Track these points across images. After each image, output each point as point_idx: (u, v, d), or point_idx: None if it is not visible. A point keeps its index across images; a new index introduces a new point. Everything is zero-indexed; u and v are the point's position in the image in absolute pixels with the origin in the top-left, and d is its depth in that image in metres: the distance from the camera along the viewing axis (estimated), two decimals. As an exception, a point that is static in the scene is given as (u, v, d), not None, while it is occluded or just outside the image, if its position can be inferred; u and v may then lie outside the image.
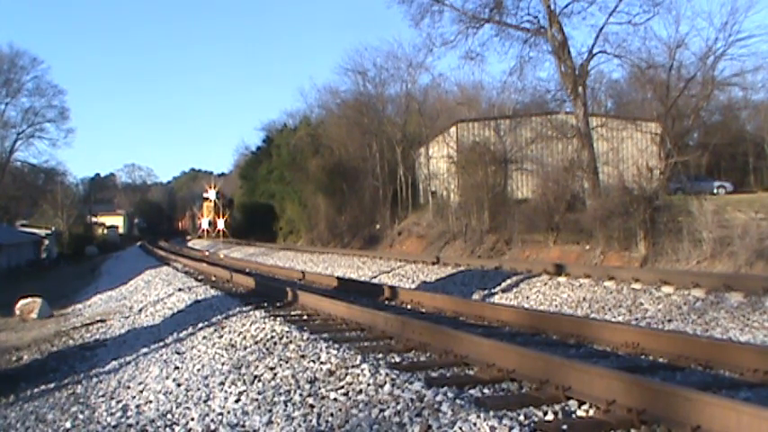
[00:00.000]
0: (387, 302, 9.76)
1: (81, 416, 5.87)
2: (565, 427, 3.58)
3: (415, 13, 23.83)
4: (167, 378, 6.27)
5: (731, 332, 6.65)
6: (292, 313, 8.41)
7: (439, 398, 3.99)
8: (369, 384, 4.49)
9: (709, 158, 32.43)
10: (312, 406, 4.40)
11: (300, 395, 4.65)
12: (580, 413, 3.90)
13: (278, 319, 7.51)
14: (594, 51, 21.48)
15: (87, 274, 27.97)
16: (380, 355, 5.55)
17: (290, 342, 6.15)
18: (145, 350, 7.92)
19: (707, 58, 22.83)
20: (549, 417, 3.82)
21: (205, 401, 5.23)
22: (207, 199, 61.99)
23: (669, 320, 7.35)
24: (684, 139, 26.15)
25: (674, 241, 14.70)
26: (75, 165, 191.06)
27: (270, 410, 4.53)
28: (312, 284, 12.94)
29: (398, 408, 3.96)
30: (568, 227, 19.55)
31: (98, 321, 11.93)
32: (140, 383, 6.42)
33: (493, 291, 10.43)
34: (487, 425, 3.47)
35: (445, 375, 4.87)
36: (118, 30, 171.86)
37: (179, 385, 5.91)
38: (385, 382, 4.44)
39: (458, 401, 3.89)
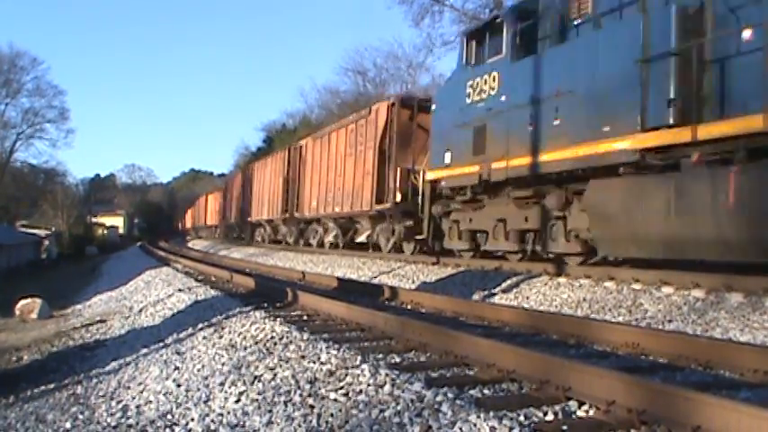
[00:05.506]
0: (387, 303, 9.75)
1: (81, 416, 5.87)
2: (565, 427, 3.58)
3: (416, 13, 23.93)
4: (167, 378, 6.27)
5: (731, 332, 6.64)
6: (292, 313, 8.41)
7: (439, 398, 3.99)
8: (369, 385, 4.49)
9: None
10: (312, 406, 4.40)
11: (300, 395, 4.65)
12: (580, 413, 3.90)
13: (278, 319, 7.50)
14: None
15: (87, 274, 27.98)
16: (380, 356, 5.54)
17: (291, 342, 6.15)
18: (145, 350, 7.92)
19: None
20: (550, 417, 3.82)
21: (205, 402, 5.23)
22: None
23: (669, 321, 7.34)
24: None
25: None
26: (75, 165, 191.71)
27: (270, 411, 4.53)
28: (312, 285, 12.93)
29: (398, 408, 3.96)
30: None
31: (98, 322, 11.93)
32: (140, 384, 6.42)
33: (493, 291, 10.41)
34: (487, 425, 3.47)
35: (445, 376, 4.86)
36: (118, 29, 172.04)
37: (179, 386, 5.91)
38: (385, 383, 4.44)
39: (458, 402, 3.89)
